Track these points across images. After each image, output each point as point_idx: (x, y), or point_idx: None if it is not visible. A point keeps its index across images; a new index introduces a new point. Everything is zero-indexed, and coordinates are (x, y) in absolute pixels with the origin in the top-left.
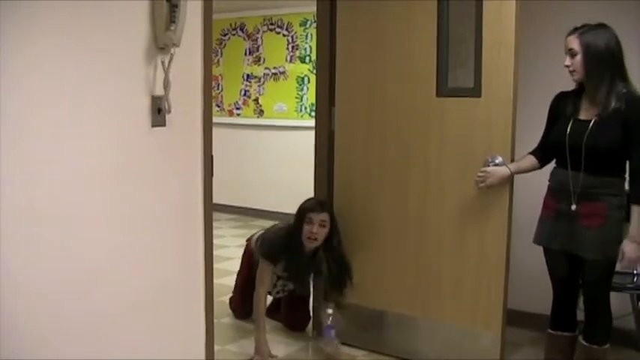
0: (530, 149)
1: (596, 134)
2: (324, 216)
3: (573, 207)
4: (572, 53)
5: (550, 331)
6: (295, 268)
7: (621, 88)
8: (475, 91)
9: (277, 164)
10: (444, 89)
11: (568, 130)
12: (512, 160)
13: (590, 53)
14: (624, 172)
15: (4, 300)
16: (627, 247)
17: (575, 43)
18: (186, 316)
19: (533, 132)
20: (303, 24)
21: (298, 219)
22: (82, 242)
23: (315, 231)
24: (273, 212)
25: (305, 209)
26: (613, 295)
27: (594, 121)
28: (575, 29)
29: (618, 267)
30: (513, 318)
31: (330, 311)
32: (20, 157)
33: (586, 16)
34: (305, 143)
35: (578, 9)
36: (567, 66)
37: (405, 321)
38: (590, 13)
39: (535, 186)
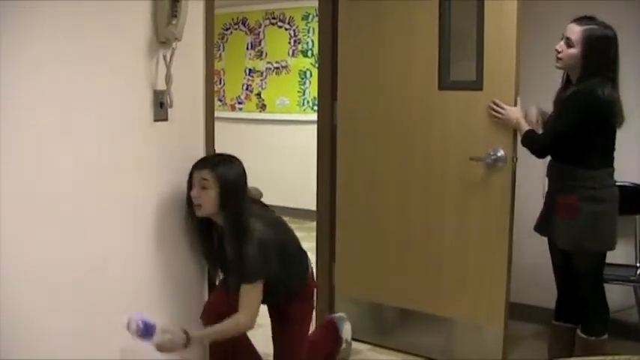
0: None
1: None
2: (206, 173)
3: (553, 197)
4: (568, 43)
5: (553, 322)
6: (200, 248)
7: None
8: (477, 84)
9: (279, 158)
10: (445, 82)
11: (548, 118)
12: (514, 155)
13: (590, 54)
14: (600, 165)
15: (4, 297)
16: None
17: (576, 34)
18: (189, 311)
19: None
20: (305, 18)
21: (188, 186)
22: (82, 236)
23: (196, 194)
24: (275, 206)
25: (190, 171)
26: (616, 287)
27: (555, 111)
28: (582, 20)
29: None
30: (516, 311)
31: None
32: (22, 150)
33: (590, 11)
34: (307, 137)
35: (579, 6)
36: (557, 51)
37: (407, 315)
38: (591, 11)
39: (537, 180)
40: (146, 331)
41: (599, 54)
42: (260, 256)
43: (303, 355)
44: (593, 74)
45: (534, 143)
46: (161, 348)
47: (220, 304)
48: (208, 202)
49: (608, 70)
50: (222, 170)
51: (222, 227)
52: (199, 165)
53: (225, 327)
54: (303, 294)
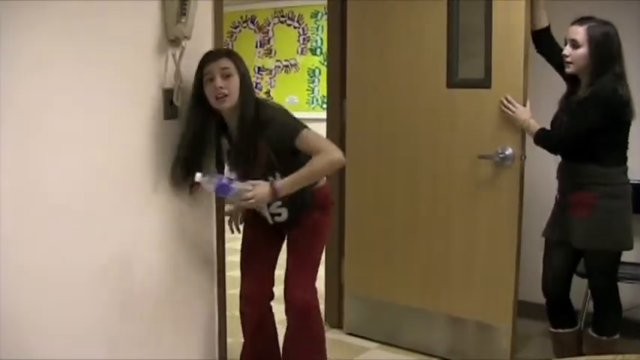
0: None
1: (563, 124)
2: (225, 62)
3: (566, 196)
4: (574, 44)
5: (552, 330)
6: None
7: (610, 76)
8: (485, 82)
9: None
10: (454, 80)
11: (559, 120)
12: (523, 153)
13: (598, 51)
14: (614, 163)
15: (7, 294)
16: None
17: (580, 34)
18: (199, 309)
19: (543, 122)
20: (314, 16)
21: (197, 85)
22: (93, 233)
23: (221, 84)
24: None
25: (199, 66)
26: (626, 286)
27: (569, 110)
28: (582, 20)
29: None
30: (525, 310)
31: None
32: (32, 149)
33: (589, 11)
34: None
35: (573, 12)
36: (566, 56)
37: (415, 313)
38: (594, 9)
39: (546, 177)
40: (220, 185)
41: (605, 49)
42: (291, 115)
43: (317, 269)
44: (603, 71)
45: (550, 139)
46: (246, 200)
47: (262, 286)
48: (234, 90)
49: (615, 64)
50: (237, 57)
51: (236, 122)
52: (213, 57)
53: (313, 166)
54: (322, 203)
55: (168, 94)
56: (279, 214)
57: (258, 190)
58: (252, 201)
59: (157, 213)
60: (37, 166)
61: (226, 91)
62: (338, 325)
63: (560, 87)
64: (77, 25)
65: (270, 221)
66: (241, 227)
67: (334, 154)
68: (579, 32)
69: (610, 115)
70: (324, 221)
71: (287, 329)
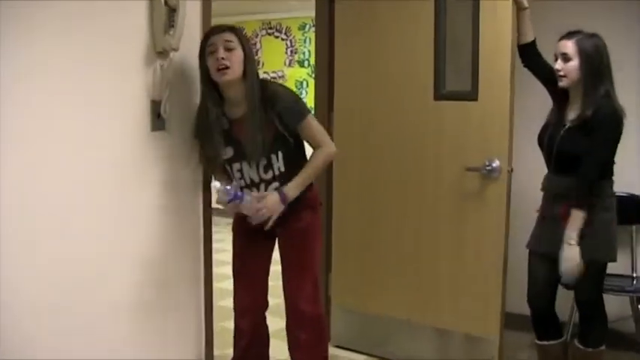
0: (527, 151)
1: (564, 140)
2: (228, 35)
3: (555, 209)
4: (565, 58)
5: (537, 342)
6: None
7: (603, 93)
8: (472, 95)
9: None
10: (441, 93)
11: (548, 133)
12: (510, 166)
13: (589, 63)
14: (604, 176)
15: (4, 299)
16: (565, 252)
17: (570, 48)
18: (185, 319)
19: (531, 134)
20: (302, 28)
21: (200, 58)
22: (80, 245)
23: (222, 55)
24: None
25: (203, 40)
26: (613, 297)
27: (567, 127)
28: (570, 34)
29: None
30: (512, 321)
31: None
32: (18, 161)
33: (582, 19)
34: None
35: (573, 12)
36: (558, 70)
37: (403, 325)
38: (587, 16)
39: (533, 189)
40: (235, 195)
41: (596, 61)
42: (298, 97)
43: (318, 274)
44: (596, 83)
45: (587, 189)
46: (258, 212)
47: (255, 298)
48: (237, 63)
49: (607, 76)
50: (241, 33)
51: (241, 95)
52: (216, 30)
53: (316, 163)
54: (312, 203)
55: (155, 106)
56: None
57: (269, 200)
58: (264, 211)
59: (142, 225)
60: (22, 175)
61: (228, 62)
62: None
63: (547, 99)
64: (64, 36)
65: None
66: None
67: (332, 147)
68: (569, 46)
69: (619, 133)
70: (315, 224)
71: (294, 340)
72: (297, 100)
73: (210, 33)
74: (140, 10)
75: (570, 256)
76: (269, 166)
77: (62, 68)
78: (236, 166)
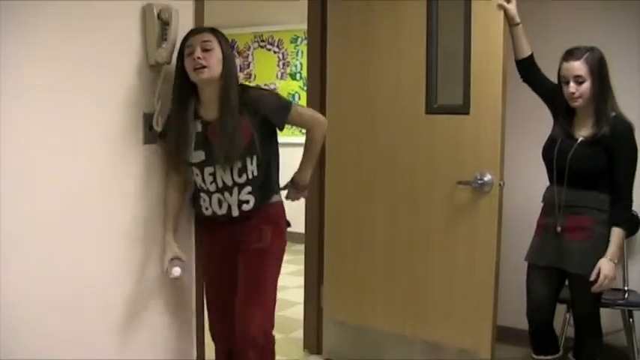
0: (520, 165)
1: (580, 155)
2: (207, 35)
3: (559, 221)
4: (578, 80)
5: (535, 356)
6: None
7: (610, 111)
8: (464, 109)
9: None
10: (433, 106)
11: (557, 146)
12: (501, 178)
13: (599, 80)
14: (607, 189)
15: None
16: (604, 265)
17: (583, 70)
18: (179, 332)
19: (523, 148)
20: (294, 41)
21: (178, 60)
22: (72, 258)
23: (200, 55)
24: None
25: (182, 43)
26: (604, 311)
27: (581, 141)
28: (571, 54)
29: (595, 286)
30: (505, 335)
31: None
32: (10, 173)
33: (591, 11)
34: (295, 159)
35: (563, 21)
36: (572, 93)
37: (395, 339)
38: (595, 9)
39: (525, 202)
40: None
41: (603, 76)
42: (275, 92)
43: (274, 297)
44: (605, 99)
45: (629, 206)
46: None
47: (229, 322)
48: (215, 63)
49: (610, 88)
50: (221, 34)
51: (217, 95)
52: (194, 31)
53: (314, 143)
54: (275, 219)
55: (148, 119)
56: (247, 202)
57: (292, 195)
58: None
59: (135, 235)
60: (14, 185)
61: (204, 62)
62: (317, 350)
63: (539, 108)
64: (56, 49)
65: (237, 212)
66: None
67: (322, 118)
68: (581, 68)
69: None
70: (276, 246)
71: None
72: (276, 97)
73: (188, 34)
74: (133, 24)
75: (612, 275)
76: (244, 169)
77: (55, 81)
78: (208, 169)
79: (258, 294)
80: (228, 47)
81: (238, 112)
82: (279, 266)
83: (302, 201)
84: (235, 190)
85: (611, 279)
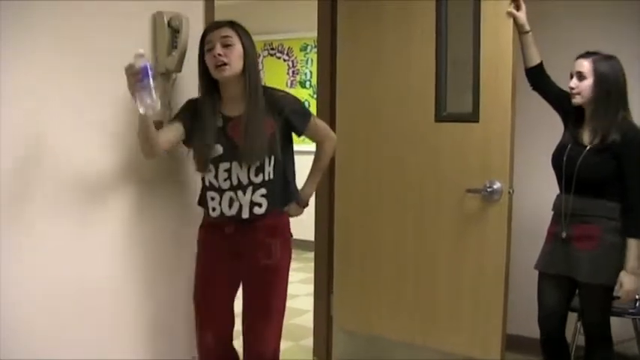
0: (531, 172)
1: (589, 162)
2: (226, 30)
3: (565, 228)
4: (580, 76)
5: None
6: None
7: (621, 119)
8: (473, 116)
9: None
10: (442, 114)
11: (566, 153)
12: (511, 186)
13: (603, 82)
14: (617, 198)
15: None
16: (625, 279)
17: (586, 67)
18: (180, 332)
19: (534, 155)
20: (304, 49)
21: (200, 55)
22: (72, 258)
23: (220, 52)
24: None
25: (201, 37)
26: (615, 319)
27: (589, 149)
28: (588, 54)
29: (618, 301)
30: (515, 343)
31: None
32: (16, 173)
33: (592, 11)
34: (305, 167)
35: (572, 31)
36: (572, 88)
37: (404, 348)
38: (596, 9)
39: (536, 210)
40: (147, 69)
41: (611, 82)
42: (298, 99)
43: (283, 313)
44: (612, 105)
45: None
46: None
47: (222, 334)
48: (236, 59)
49: (623, 98)
50: (241, 28)
51: (239, 93)
52: (213, 26)
53: (324, 157)
54: (283, 232)
55: (158, 126)
56: (260, 205)
57: (293, 211)
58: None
59: (133, 240)
60: (21, 186)
61: (225, 59)
62: (327, 358)
63: (550, 116)
64: (66, 57)
65: (247, 214)
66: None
67: (333, 134)
68: (585, 65)
69: None
70: (284, 260)
71: None
72: (300, 102)
73: (208, 29)
74: (143, 31)
75: (634, 288)
76: (261, 168)
77: (64, 87)
78: (224, 165)
79: (270, 314)
80: (249, 40)
81: (263, 106)
82: (287, 280)
83: (311, 209)
84: (249, 189)
85: (634, 292)
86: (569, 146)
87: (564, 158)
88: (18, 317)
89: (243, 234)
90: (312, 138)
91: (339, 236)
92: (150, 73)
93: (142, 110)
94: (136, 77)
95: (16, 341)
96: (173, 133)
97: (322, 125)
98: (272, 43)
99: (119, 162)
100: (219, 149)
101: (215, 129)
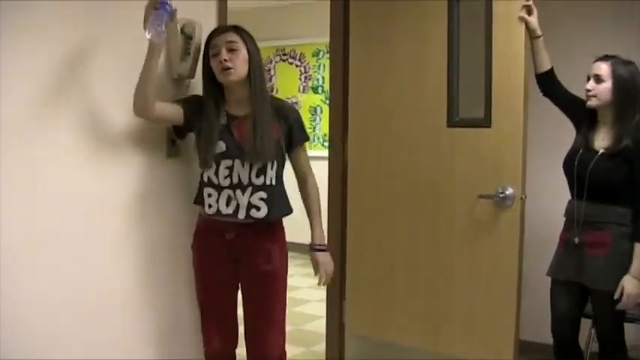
0: (543, 178)
1: (600, 167)
2: (231, 35)
3: (577, 234)
4: (598, 79)
5: None
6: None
7: (634, 124)
8: (485, 122)
9: (289, 193)
10: (454, 120)
11: (577, 158)
12: (523, 192)
13: (622, 86)
14: (628, 203)
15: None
16: (627, 283)
17: (605, 70)
18: (182, 333)
19: (546, 161)
20: (316, 54)
21: (204, 60)
22: (95, 272)
23: (225, 57)
24: None
25: (206, 43)
26: (629, 325)
27: (601, 153)
28: (606, 57)
29: (620, 305)
30: (528, 349)
31: None
32: (37, 187)
33: (594, 11)
34: (318, 173)
35: (583, 35)
36: (588, 90)
37: (417, 353)
38: (597, 9)
39: (549, 215)
40: (165, 3)
41: (630, 86)
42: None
43: (284, 317)
44: (629, 110)
45: None
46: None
47: (227, 339)
48: (241, 64)
49: (637, 107)
50: (246, 33)
51: (246, 96)
52: (218, 31)
53: (316, 199)
54: (281, 237)
55: (171, 133)
56: (258, 208)
57: (322, 260)
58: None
59: (158, 248)
60: (36, 195)
61: (230, 64)
62: None
63: (561, 125)
64: (80, 62)
65: (243, 215)
66: None
67: (314, 177)
68: (603, 68)
69: None
70: (283, 265)
71: None
72: (302, 119)
73: (213, 34)
74: None
75: (636, 293)
76: (263, 170)
77: (77, 95)
78: (226, 162)
79: (273, 320)
80: (253, 45)
81: (270, 108)
82: (286, 285)
83: (324, 214)
84: (249, 190)
85: (635, 297)
86: (580, 151)
87: (576, 163)
88: (18, 317)
89: (244, 239)
90: (297, 164)
91: (351, 242)
92: (168, 8)
93: (148, 35)
94: (155, 1)
95: (16, 341)
96: (170, 109)
97: (307, 157)
98: (284, 49)
99: (119, 162)
100: (222, 146)
101: (219, 126)
